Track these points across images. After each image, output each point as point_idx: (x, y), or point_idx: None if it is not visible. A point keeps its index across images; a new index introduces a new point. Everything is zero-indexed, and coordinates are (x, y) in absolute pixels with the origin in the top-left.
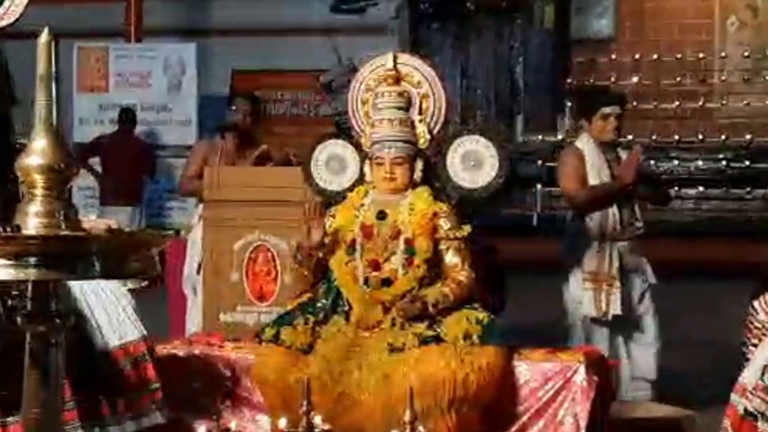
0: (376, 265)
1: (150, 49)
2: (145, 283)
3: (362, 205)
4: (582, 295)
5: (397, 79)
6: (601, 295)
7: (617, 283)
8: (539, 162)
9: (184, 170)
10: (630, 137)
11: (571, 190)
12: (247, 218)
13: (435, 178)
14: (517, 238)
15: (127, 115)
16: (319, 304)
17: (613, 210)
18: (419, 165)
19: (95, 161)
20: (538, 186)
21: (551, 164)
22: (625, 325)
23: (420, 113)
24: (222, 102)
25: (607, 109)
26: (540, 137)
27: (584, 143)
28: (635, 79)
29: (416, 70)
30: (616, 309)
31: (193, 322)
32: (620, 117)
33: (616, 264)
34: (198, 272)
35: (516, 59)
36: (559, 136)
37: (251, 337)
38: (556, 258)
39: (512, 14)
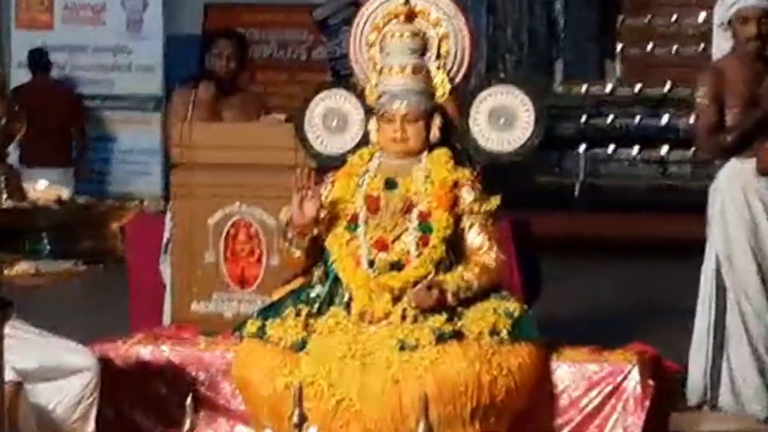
0: (383, 245)
1: None
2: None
3: (367, 171)
4: None
5: (411, 16)
6: None
7: None
8: (583, 118)
9: (169, 133)
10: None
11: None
12: (225, 186)
13: (456, 138)
14: (555, 212)
15: (40, 58)
16: (313, 293)
17: None
18: (437, 122)
19: None
20: (582, 148)
21: (597, 121)
22: None
23: (438, 58)
24: (192, 43)
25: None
26: (584, 88)
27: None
28: (702, 18)
29: (434, 4)
30: None
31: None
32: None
33: None
34: (165, 251)
35: None
36: (608, 87)
37: (230, 332)
38: (603, 234)
39: None
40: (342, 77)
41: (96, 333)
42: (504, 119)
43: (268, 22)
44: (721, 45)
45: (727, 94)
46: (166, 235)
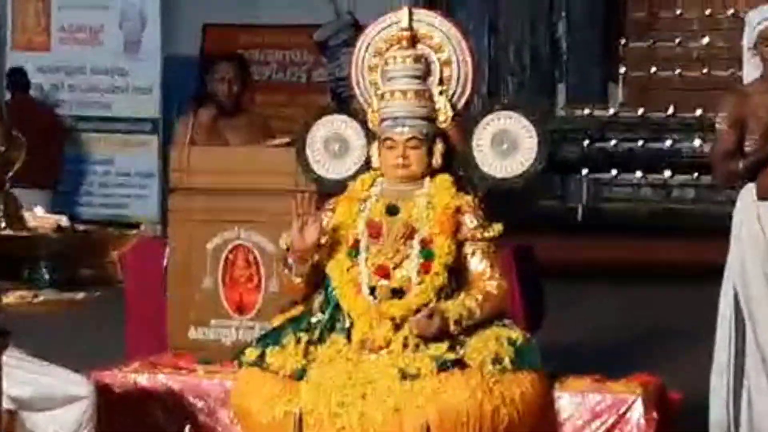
0: (384, 272)
1: None
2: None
3: (368, 196)
4: None
5: (413, 41)
6: None
7: None
8: (585, 142)
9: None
10: (699, 112)
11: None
12: (223, 211)
13: (458, 164)
14: (558, 236)
15: (20, 78)
16: (313, 320)
17: None
18: (439, 148)
19: None
20: (584, 171)
21: (600, 144)
22: None
23: (441, 83)
24: (190, 64)
25: None
26: (587, 111)
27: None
28: (705, 41)
29: (437, 29)
30: None
31: None
32: None
33: None
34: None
35: (558, 13)
36: (612, 110)
37: (229, 360)
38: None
39: None
40: (342, 99)
41: (92, 360)
42: (507, 145)
43: (267, 43)
44: (751, 71)
45: (750, 119)
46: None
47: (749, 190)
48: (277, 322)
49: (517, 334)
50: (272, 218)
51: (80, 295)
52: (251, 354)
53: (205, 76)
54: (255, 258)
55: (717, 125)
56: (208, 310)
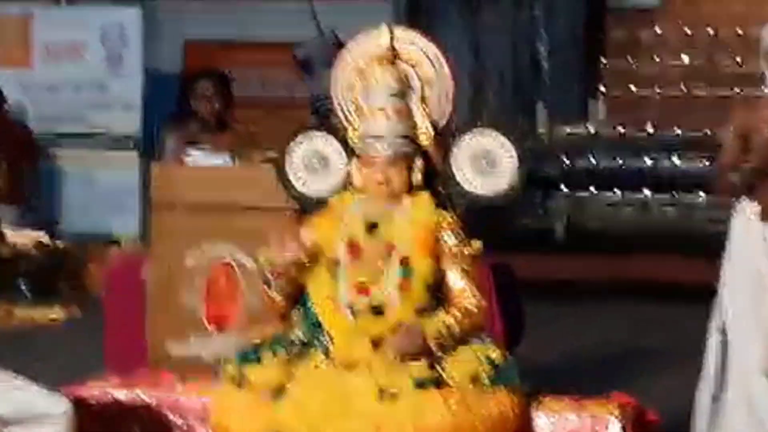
0: (363, 289)
1: (84, 14)
2: (77, 311)
3: (348, 214)
4: None
5: (394, 59)
6: None
7: None
8: (565, 160)
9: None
10: (678, 130)
11: None
12: (204, 227)
13: (438, 182)
14: (538, 254)
15: None
16: (293, 337)
17: None
18: (419, 166)
19: None
20: (564, 189)
21: (580, 162)
22: None
23: (421, 102)
24: (171, 81)
25: None
26: (567, 129)
27: None
28: (686, 60)
29: (417, 47)
30: None
31: None
32: None
33: None
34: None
35: (538, 32)
36: (592, 128)
37: (208, 376)
38: (586, 277)
39: None
40: (323, 117)
41: (72, 374)
42: (486, 163)
43: (248, 60)
44: None
45: (754, 132)
46: None
47: (743, 209)
48: (256, 338)
49: (495, 353)
50: (253, 235)
51: (59, 312)
52: (231, 371)
53: (187, 92)
54: (234, 274)
55: (724, 137)
56: (187, 326)
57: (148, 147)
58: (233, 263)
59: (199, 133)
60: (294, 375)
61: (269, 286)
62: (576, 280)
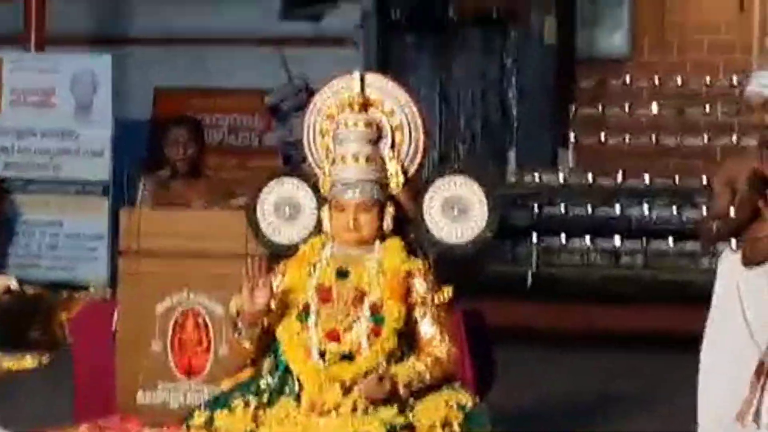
0: (334, 336)
1: (54, 60)
2: (46, 358)
3: (318, 260)
4: None
5: (365, 106)
6: None
7: None
8: (535, 207)
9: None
10: (647, 178)
11: None
12: (173, 274)
13: (409, 228)
14: (508, 302)
15: None
16: (263, 383)
17: None
18: (390, 212)
19: None
20: (534, 237)
21: (549, 210)
22: None
23: (392, 148)
24: (140, 128)
25: None
26: (537, 177)
27: None
28: (654, 108)
29: (388, 94)
30: None
31: None
32: None
33: None
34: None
35: (509, 81)
36: (561, 176)
37: (177, 423)
38: (556, 324)
39: (505, 26)
40: (294, 164)
41: (41, 422)
42: (458, 210)
43: (218, 106)
44: None
45: (739, 182)
46: None
47: (727, 256)
48: (225, 385)
49: (466, 399)
50: (222, 282)
51: (30, 360)
52: (199, 417)
53: (160, 139)
54: (204, 321)
55: (714, 187)
56: (156, 374)
57: (117, 194)
58: (202, 310)
59: (171, 180)
60: (264, 422)
61: (240, 334)
62: (546, 327)
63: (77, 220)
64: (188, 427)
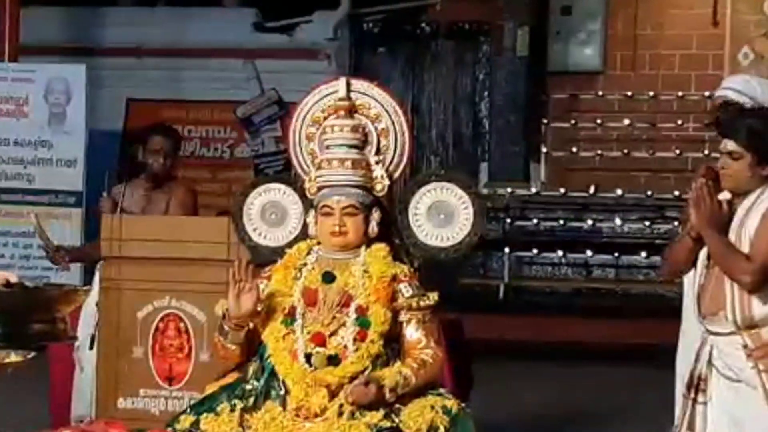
0: (320, 339)
1: (28, 70)
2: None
3: (305, 264)
4: None
5: (351, 111)
6: None
7: None
8: (507, 220)
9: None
10: (619, 192)
11: None
12: (154, 280)
13: (394, 233)
14: (479, 314)
15: None
16: (249, 387)
17: None
18: (376, 217)
19: None
20: (506, 249)
21: (522, 223)
22: None
23: (377, 153)
24: (112, 138)
25: None
26: (509, 190)
27: None
28: (626, 122)
29: (374, 100)
30: None
31: (77, 407)
32: None
33: None
34: (91, 347)
35: (481, 94)
36: (533, 189)
37: (162, 428)
38: (527, 337)
39: (477, 38)
40: (265, 175)
41: (15, 427)
42: (443, 215)
43: (191, 118)
44: None
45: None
46: (90, 330)
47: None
48: (211, 389)
49: (452, 403)
50: (203, 287)
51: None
52: (185, 421)
53: (140, 147)
54: (186, 327)
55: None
56: (137, 380)
57: (91, 203)
58: (184, 316)
59: (149, 187)
60: (250, 426)
61: (225, 337)
62: (517, 339)
63: (51, 230)
64: (174, 430)
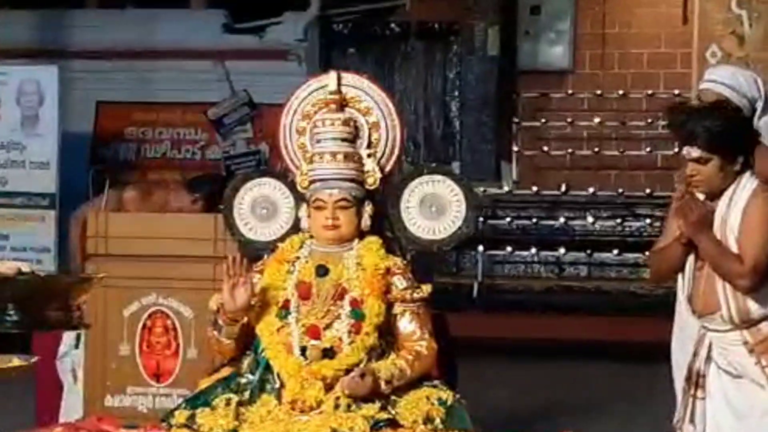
0: (315, 332)
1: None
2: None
3: (298, 258)
4: None
5: (342, 105)
6: None
7: None
8: (480, 219)
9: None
10: (590, 190)
11: None
12: (141, 277)
13: (387, 226)
14: (453, 313)
15: None
16: (243, 380)
17: None
18: (368, 210)
19: None
20: (480, 248)
21: (494, 221)
22: None
23: (369, 146)
24: (83, 142)
25: None
26: (481, 189)
27: None
28: (596, 120)
29: (365, 93)
30: None
31: (70, 414)
32: None
33: None
34: (77, 346)
35: (452, 93)
36: (505, 188)
37: (155, 423)
38: (501, 335)
39: (447, 38)
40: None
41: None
42: (435, 207)
43: (161, 120)
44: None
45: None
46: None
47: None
48: (204, 383)
49: (447, 395)
50: (190, 284)
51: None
52: (181, 416)
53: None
54: (173, 324)
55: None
56: (125, 377)
57: (64, 205)
58: (171, 313)
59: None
60: (245, 419)
61: (219, 331)
62: (491, 337)
63: (23, 233)
64: (169, 425)
